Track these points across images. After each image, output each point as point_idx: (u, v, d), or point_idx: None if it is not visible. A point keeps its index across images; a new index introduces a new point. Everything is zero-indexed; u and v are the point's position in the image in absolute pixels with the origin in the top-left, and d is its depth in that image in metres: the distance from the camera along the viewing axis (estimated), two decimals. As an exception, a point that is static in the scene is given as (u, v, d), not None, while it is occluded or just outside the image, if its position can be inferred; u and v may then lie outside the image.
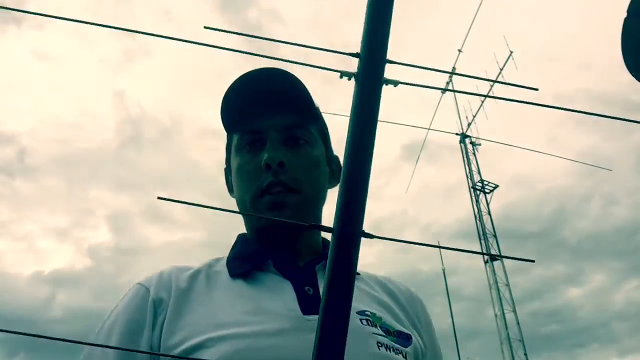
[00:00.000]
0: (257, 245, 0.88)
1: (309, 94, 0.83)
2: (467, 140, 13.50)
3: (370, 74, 0.39)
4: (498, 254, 11.94)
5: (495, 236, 12.43)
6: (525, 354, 11.17)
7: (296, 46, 0.44)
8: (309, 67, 0.43)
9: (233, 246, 0.92)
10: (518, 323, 11.49)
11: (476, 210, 12.79)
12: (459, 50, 13.75)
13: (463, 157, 13.42)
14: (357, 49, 0.40)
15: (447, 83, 14.10)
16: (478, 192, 12.94)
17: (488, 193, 13.06)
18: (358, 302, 0.81)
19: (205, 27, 0.42)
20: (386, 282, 0.96)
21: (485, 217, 12.65)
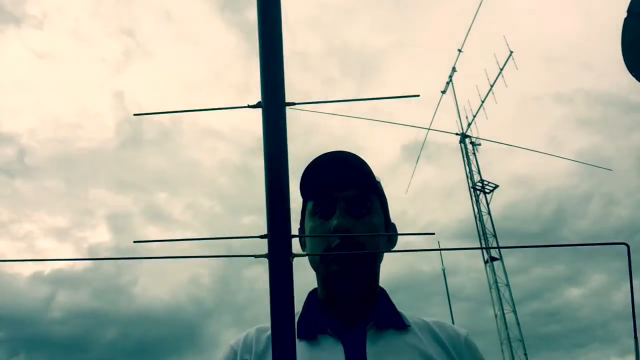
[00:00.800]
0: (320, 308, 1.05)
1: (371, 172, 1.02)
2: (467, 140, 13.50)
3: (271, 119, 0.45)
4: (497, 256, 11.94)
5: (495, 236, 12.43)
6: (525, 354, 11.16)
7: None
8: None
9: (304, 304, 1.08)
10: (518, 323, 11.49)
11: (476, 210, 12.79)
12: (459, 50, 13.75)
13: (463, 157, 13.42)
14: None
15: (447, 83, 14.10)
16: (478, 192, 12.94)
17: (488, 193, 13.06)
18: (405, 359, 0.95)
19: (135, 115, 0.50)
20: (436, 328, 1.05)
21: (485, 217, 12.65)
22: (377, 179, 1.06)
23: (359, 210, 1.02)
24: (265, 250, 0.45)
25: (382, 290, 1.08)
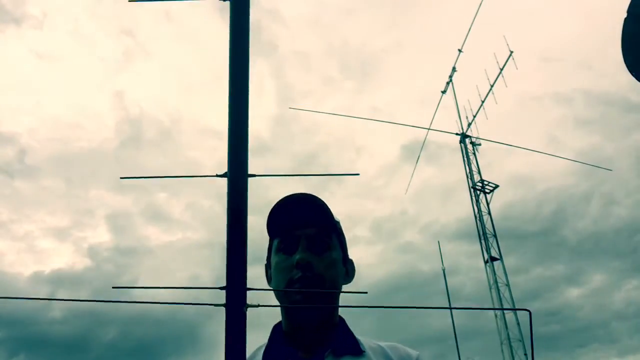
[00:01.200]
0: (283, 338, 1.14)
1: (330, 212, 1.13)
2: (467, 140, 13.50)
3: (235, 190, 0.54)
4: (497, 256, 11.94)
5: (495, 236, 12.43)
6: (526, 354, 11.17)
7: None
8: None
9: (269, 336, 1.17)
10: (518, 323, 11.50)
11: (476, 210, 12.79)
12: (459, 50, 13.75)
13: (463, 157, 13.43)
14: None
15: (447, 83, 14.10)
16: (478, 192, 12.94)
17: (488, 193, 13.06)
18: None
19: (121, 178, 0.60)
20: (390, 351, 1.14)
21: (485, 217, 12.65)
22: (336, 219, 1.18)
23: (319, 247, 1.12)
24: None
25: (341, 318, 1.17)
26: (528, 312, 1.22)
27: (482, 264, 12.05)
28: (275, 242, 1.16)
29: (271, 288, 1.15)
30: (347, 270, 1.21)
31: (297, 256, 1.09)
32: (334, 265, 1.13)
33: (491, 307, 11.68)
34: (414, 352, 1.15)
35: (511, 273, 12.20)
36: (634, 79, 1.32)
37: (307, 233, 1.12)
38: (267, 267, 1.20)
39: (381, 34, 28.48)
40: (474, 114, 13.18)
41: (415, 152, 13.99)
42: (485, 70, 12.74)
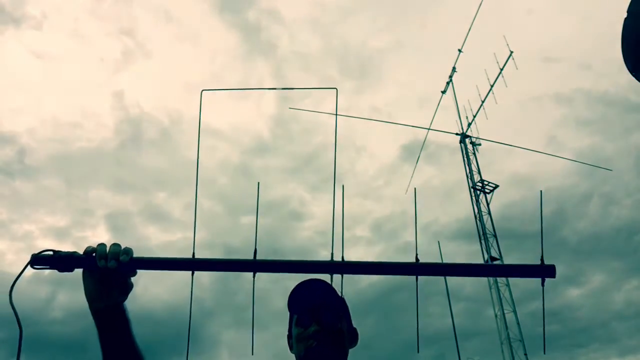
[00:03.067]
0: None
1: (335, 292, 1.39)
2: (467, 140, 13.50)
3: None
4: (497, 256, 11.94)
5: (495, 236, 12.44)
6: (525, 354, 11.17)
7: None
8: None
9: None
10: (518, 323, 11.50)
11: (476, 210, 12.80)
12: (459, 50, 13.76)
13: (463, 157, 13.43)
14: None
15: (447, 83, 14.11)
16: (478, 192, 12.95)
17: (488, 193, 13.06)
18: None
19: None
20: None
21: (485, 217, 12.66)
22: (342, 296, 1.44)
23: (330, 320, 1.39)
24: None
25: None
26: (540, 279, 1.24)
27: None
28: (295, 317, 1.43)
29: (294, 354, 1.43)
30: (352, 337, 1.48)
31: (312, 328, 1.37)
32: (342, 334, 1.41)
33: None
34: None
35: (511, 273, 12.17)
36: (634, 79, 1.32)
37: (320, 310, 1.39)
38: (289, 337, 1.47)
39: (381, 34, 28.48)
40: (474, 114, 13.20)
41: (415, 152, 14.00)
42: (485, 70, 12.76)
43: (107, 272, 1.16)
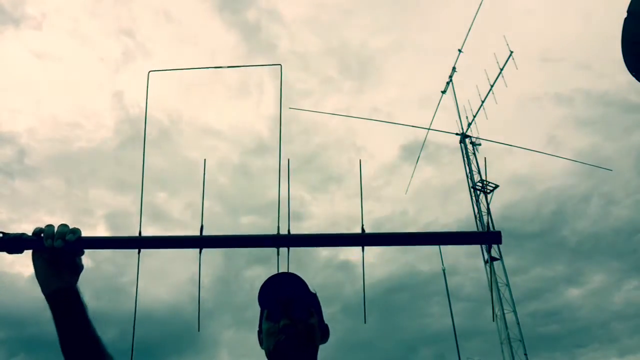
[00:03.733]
0: None
1: (308, 287, 1.39)
2: (467, 140, 13.50)
3: None
4: (497, 256, 11.93)
5: (495, 236, 12.41)
6: (525, 354, 11.17)
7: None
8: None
9: None
10: (518, 323, 11.49)
11: (476, 210, 12.79)
12: (459, 50, 13.76)
13: (463, 157, 13.43)
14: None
15: (447, 83, 14.10)
16: (478, 192, 12.95)
17: (488, 193, 13.06)
18: None
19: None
20: None
21: (485, 217, 12.65)
22: (313, 291, 1.44)
23: (300, 315, 1.37)
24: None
25: None
26: (498, 233, 1.21)
27: (482, 264, 12.05)
28: (265, 312, 1.41)
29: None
30: (323, 333, 1.46)
31: (282, 322, 1.35)
32: (312, 329, 1.39)
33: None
34: None
35: (511, 273, 12.21)
36: (634, 79, 1.32)
37: (290, 304, 1.37)
38: (259, 332, 1.44)
39: (381, 34, 28.49)
40: (474, 114, 13.19)
41: (415, 152, 14.00)
42: (485, 70, 12.76)
43: (55, 253, 1.17)
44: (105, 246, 1.23)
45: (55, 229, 1.16)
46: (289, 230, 1.22)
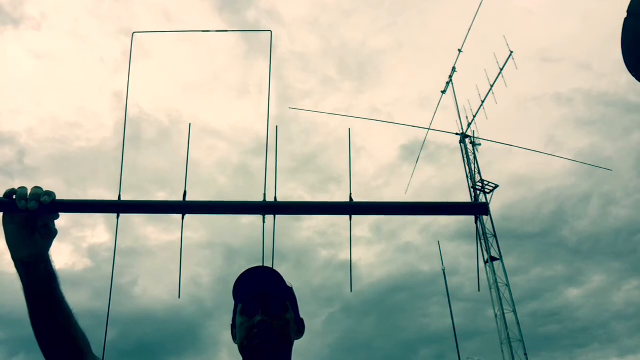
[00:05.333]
0: None
1: (284, 281, 1.36)
2: (467, 140, 13.49)
3: None
4: (497, 256, 11.93)
5: (495, 236, 12.43)
6: (526, 354, 11.17)
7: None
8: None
9: None
10: (518, 323, 11.49)
11: (476, 210, 12.76)
12: (459, 50, 13.76)
13: (463, 157, 13.43)
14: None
15: (447, 83, 14.10)
16: (478, 192, 12.95)
17: (488, 193, 13.06)
18: None
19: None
20: None
21: (485, 217, 12.66)
22: (289, 285, 1.40)
23: (275, 310, 1.34)
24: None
25: None
26: (485, 205, 1.18)
27: (482, 264, 12.05)
28: (240, 307, 1.38)
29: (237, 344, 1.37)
30: (299, 328, 1.43)
31: (257, 318, 1.31)
32: (288, 324, 1.36)
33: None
34: None
35: (511, 273, 12.21)
36: (634, 79, 1.32)
37: (266, 299, 1.34)
38: (233, 327, 1.41)
39: (381, 34, 28.46)
40: (474, 114, 13.19)
41: (415, 152, 13.99)
42: (485, 70, 12.76)
43: (28, 215, 1.09)
44: (83, 210, 1.15)
45: (29, 191, 1.08)
46: (275, 198, 1.17)
